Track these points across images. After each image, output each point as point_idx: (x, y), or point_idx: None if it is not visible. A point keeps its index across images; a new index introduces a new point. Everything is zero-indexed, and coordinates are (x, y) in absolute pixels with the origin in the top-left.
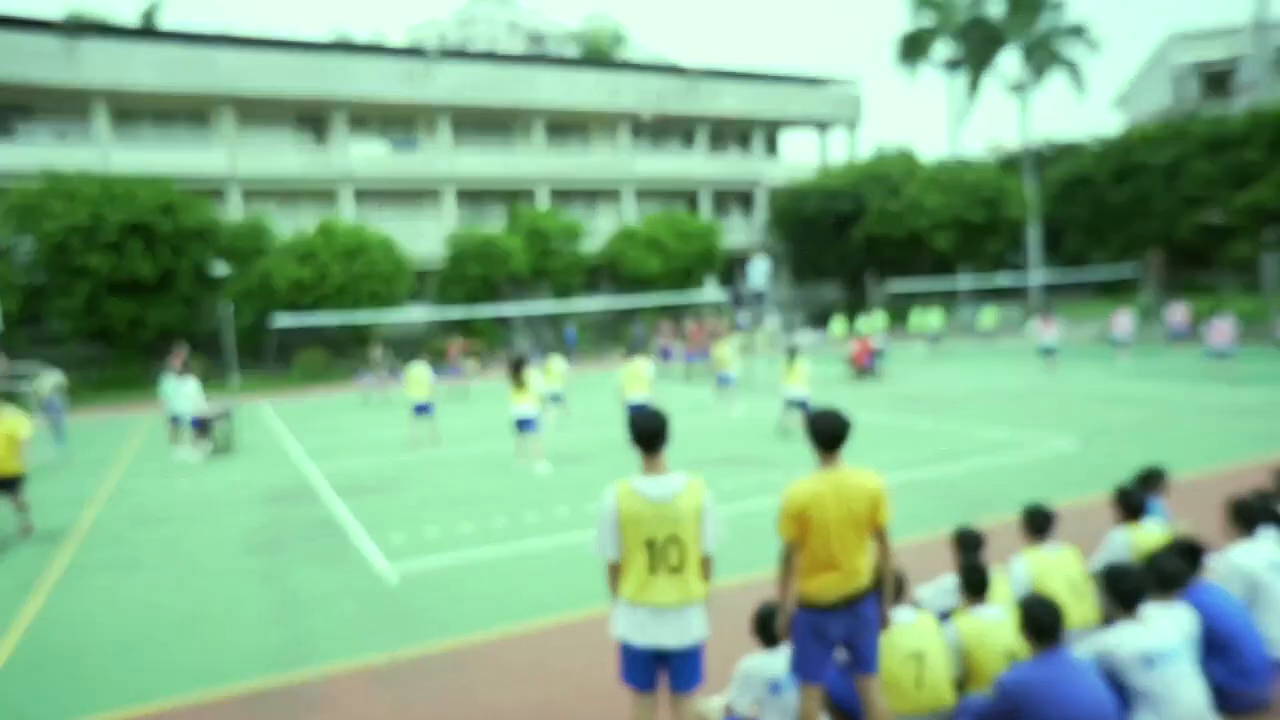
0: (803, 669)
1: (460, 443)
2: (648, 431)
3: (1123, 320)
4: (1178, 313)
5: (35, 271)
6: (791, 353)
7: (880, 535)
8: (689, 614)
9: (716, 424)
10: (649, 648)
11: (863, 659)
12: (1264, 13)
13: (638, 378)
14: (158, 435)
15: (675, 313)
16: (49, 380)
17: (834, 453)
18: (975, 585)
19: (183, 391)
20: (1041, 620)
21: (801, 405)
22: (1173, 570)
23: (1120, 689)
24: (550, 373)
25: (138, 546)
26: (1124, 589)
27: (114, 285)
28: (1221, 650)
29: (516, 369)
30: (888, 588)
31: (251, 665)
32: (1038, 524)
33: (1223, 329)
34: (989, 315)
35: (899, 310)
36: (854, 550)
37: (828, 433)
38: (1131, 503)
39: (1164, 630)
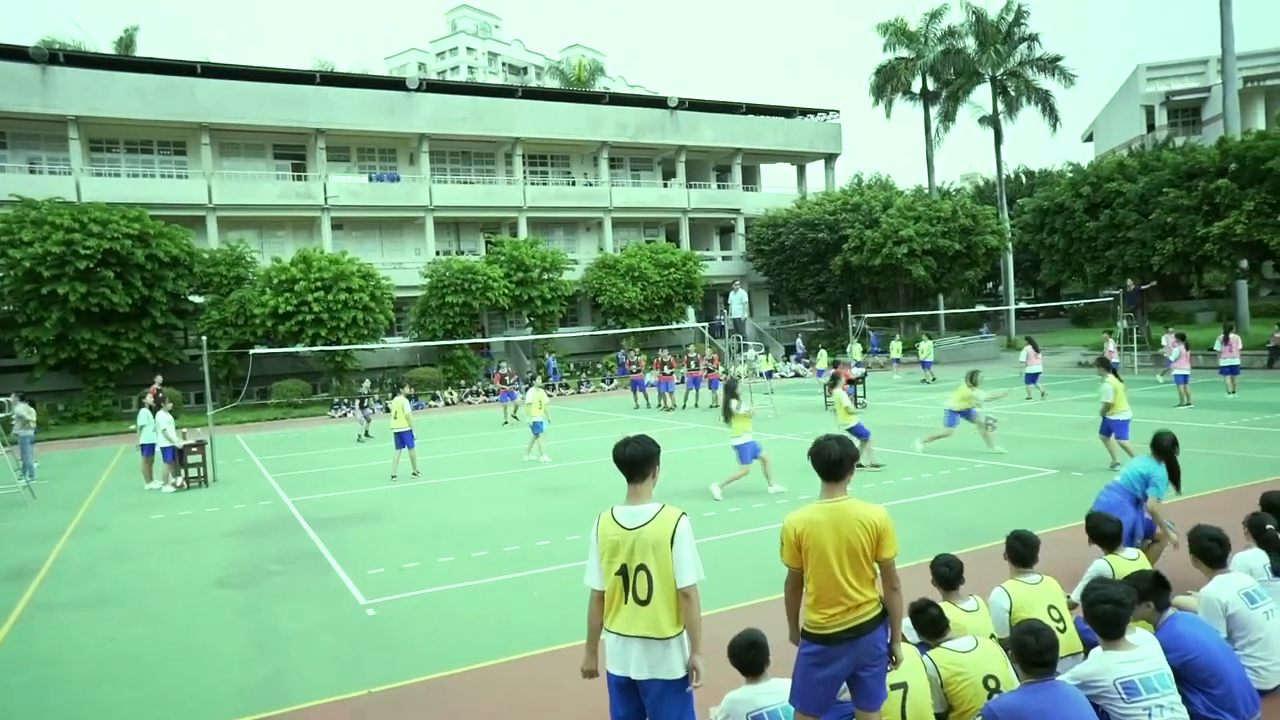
0: (804, 701)
1: (440, 474)
2: (627, 460)
3: (1113, 349)
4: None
5: (3, 299)
6: (1111, 371)
7: (885, 568)
8: (655, 647)
9: (698, 455)
10: (621, 676)
11: (868, 693)
12: (1230, 44)
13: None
14: (130, 467)
15: (652, 341)
16: (17, 410)
17: (835, 482)
18: (928, 626)
19: (156, 423)
20: (1032, 648)
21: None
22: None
23: (1103, 717)
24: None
25: (109, 581)
26: (1106, 616)
27: (86, 314)
28: (1203, 682)
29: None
30: (895, 622)
31: (227, 702)
32: (1021, 552)
33: (1184, 355)
34: (896, 346)
35: (882, 340)
36: (858, 581)
37: (824, 461)
38: (1105, 531)
39: (1144, 659)
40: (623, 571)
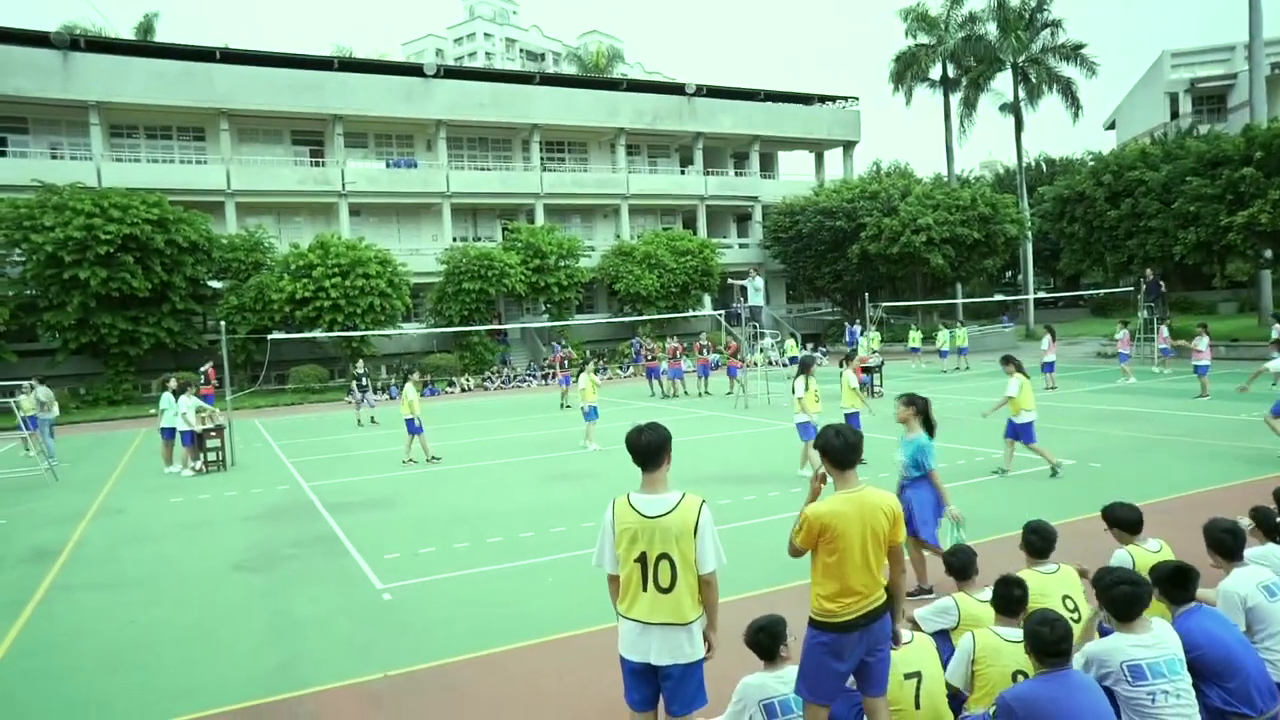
0: (814, 690)
1: (456, 460)
2: (642, 448)
3: (1127, 339)
4: (1163, 334)
5: (25, 284)
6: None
7: (895, 552)
8: (677, 633)
9: (714, 441)
10: (639, 663)
11: (875, 678)
12: (1259, 30)
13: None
14: (150, 451)
15: (668, 328)
16: (36, 394)
17: (849, 470)
18: (1006, 602)
19: (177, 407)
20: (1046, 639)
21: None
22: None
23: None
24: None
25: (128, 564)
26: (1123, 597)
27: (106, 299)
28: (1217, 675)
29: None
30: (898, 605)
31: (244, 685)
32: (1038, 546)
33: (1202, 348)
34: (915, 335)
35: (900, 329)
36: (876, 568)
37: (840, 451)
38: (1125, 519)
39: (1157, 643)
40: (642, 559)
